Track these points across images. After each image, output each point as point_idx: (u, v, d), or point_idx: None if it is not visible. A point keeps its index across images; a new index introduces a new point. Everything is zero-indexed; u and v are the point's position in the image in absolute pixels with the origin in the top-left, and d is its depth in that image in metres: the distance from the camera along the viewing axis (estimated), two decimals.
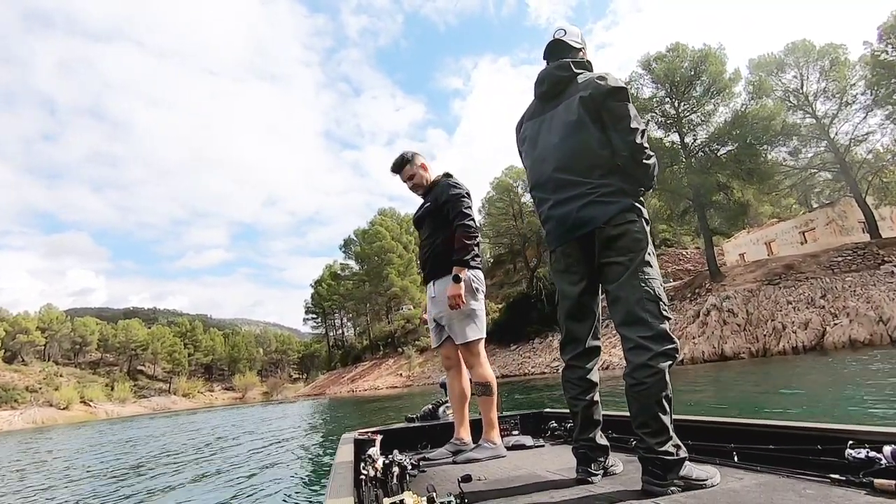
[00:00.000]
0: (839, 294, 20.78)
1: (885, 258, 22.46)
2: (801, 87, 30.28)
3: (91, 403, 68.95)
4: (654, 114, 29.96)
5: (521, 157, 2.03)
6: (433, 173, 2.82)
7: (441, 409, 3.24)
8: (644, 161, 1.66)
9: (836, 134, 29.82)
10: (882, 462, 1.31)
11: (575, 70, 1.78)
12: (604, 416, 1.81)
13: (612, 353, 22.54)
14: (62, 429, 36.06)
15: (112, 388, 75.59)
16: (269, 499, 4.90)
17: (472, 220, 2.59)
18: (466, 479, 1.82)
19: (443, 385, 3.02)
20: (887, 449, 1.32)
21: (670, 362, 1.51)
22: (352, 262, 68.51)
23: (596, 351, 1.79)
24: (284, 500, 4.79)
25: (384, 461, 1.91)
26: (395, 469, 1.86)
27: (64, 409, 64.13)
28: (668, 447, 1.46)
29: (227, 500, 5.04)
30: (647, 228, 1.66)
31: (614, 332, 1.67)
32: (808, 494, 1.29)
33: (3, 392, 63.57)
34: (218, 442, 11.83)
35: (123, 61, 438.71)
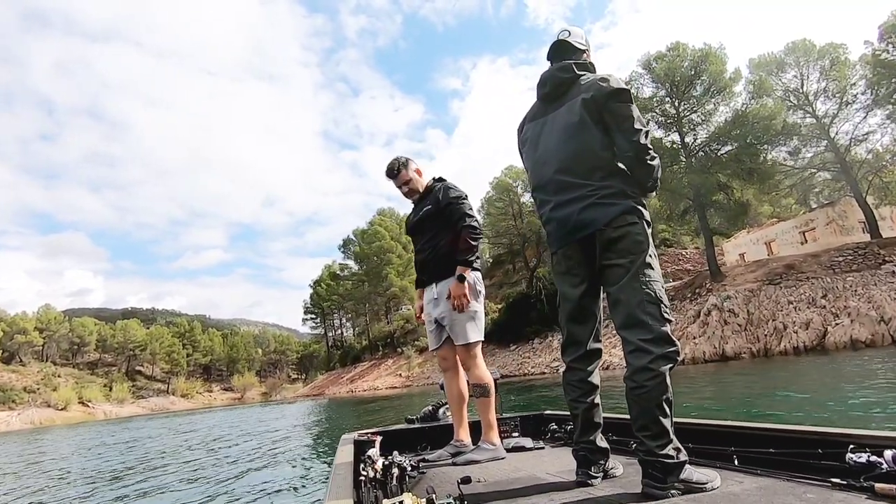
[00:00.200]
0: (840, 294, 20.77)
1: (886, 258, 22.46)
2: (802, 87, 30.30)
3: (89, 404, 68.92)
4: (654, 113, 29.95)
5: (522, 158, 2.03)
6: (426, 178, 2.86)
7: (441, 411, 3.25)
8: (648, 162, 1.65)
9: (836, 134, 29.84)
10: (883, 466, 1.31)
11: (577, 72, 1.78)
12: (604, 418, 1.81)
13: (612, 354, 22.53)
14: (60, 429, 36.06)
15: (110, 389, 75.56)
16: (268, 500, 4.89)
17: (476, 221, 2.63)
18: (466, 480, 1.82)
19: (442, 386, 3.02)
20: (888, 453, 1.32)
21: (671, 365, 1.51)
22: (351, 263, 68.52)
23: (597, 353, 1.79)
24: (284, 502, 4.79)
25: (384, 462, 1.91)
26: (395, 470, 1.86)
27: (62, 409, 64.10)
28: (669, 450, 1.46)
29: (227, 502, 5.04)
30: (649, 230, 1.65)
31: (615, 332, 1.66)
32: (809, 498, 1.28)
33: (0, 393, 63.53)
34: (216, 443, 11.83)
35: (121, 61, 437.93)
